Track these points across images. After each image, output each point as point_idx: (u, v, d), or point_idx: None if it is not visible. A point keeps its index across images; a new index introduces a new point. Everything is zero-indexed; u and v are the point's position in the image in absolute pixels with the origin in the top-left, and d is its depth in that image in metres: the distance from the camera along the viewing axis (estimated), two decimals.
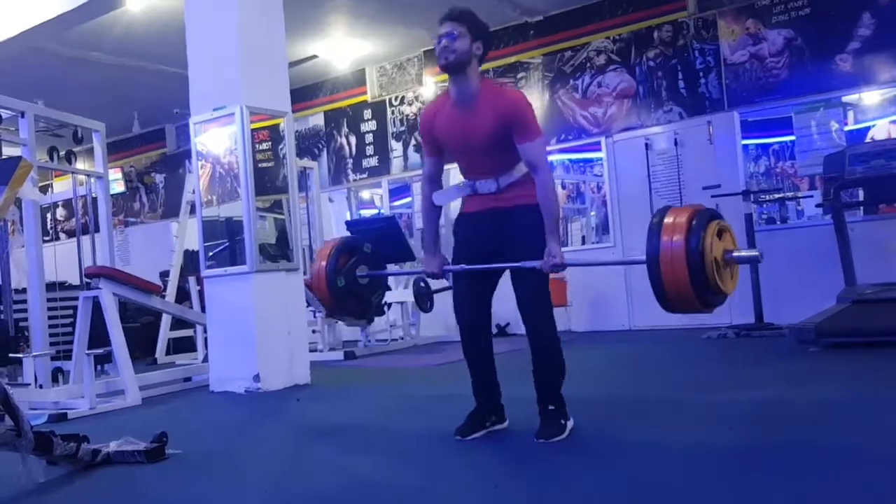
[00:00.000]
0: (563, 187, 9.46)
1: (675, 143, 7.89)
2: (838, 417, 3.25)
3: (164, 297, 7.11)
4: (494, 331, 9.02)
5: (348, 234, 9.36)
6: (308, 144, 10.45)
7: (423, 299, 8.21)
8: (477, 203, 3.23)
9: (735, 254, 2.80)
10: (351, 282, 3.59)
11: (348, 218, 10.05)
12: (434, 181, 3.39)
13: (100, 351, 5.05)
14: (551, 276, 3.14)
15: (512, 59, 8.86)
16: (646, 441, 3.05)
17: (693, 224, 2.71)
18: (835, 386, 4.06)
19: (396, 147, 9.82)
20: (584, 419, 3.28)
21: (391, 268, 8.36)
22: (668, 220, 2.77)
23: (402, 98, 9.75)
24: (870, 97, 7.23)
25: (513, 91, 3.35)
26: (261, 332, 5.24)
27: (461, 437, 3.22)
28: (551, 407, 3.16)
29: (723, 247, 2.76)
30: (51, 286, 5.99)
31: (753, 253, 2.90)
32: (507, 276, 3.23)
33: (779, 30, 7.35)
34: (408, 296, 8.07)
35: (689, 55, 7.83)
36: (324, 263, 3.58)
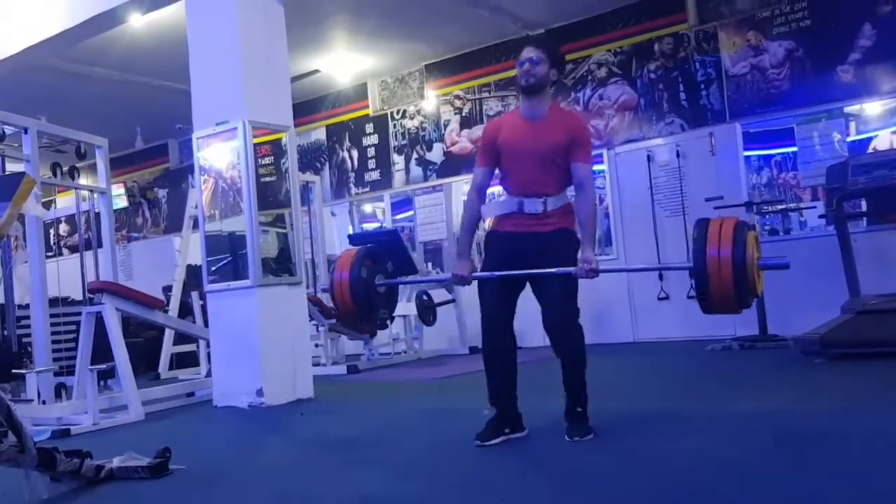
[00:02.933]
0: None
1: (677, 155, 7.89)
2: (845, 428, 3.23)
3: (166, 311, 7.11)
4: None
5: (352, 247, 9.39)
6: (310, 158, 10.47)
7: (426, 313, 8.21)
8: (515, 223, 3.38)
9: (766, 261, 3.10)
10: (371, 286, 3.68)
11: (350, 231, 10.06)
12: (482, 192, 3.55)
13: (103, 366, 5.04)
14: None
15: (513, 73, 8.81)
16: (657, 449, 3.03)
17: (737, 236, 3.02)
18: (841, 397, 4.04)
19: (398, 161, 9.83)
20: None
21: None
22: (712, 230, 3.07)
23: (404, 112, 9.78)
24: (872, 108, 7.23)
25: (579, 115, 3.59)
26: (264, 347, 5.23)
27: (481, 441, 3.29)
28: (579, 409, 3.34)
29: (756, 254, 3.05)
30: (54, 301, 5.98)
31: (783, 260, 3.11)
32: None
33: (780, 41, 7.37)
34: (411, 309, 8.06)
35: (691, 67, 7.85)
36: (346, 272, 3.66)
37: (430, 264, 9.41)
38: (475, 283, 3.47)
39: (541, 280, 3.31)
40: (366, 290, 3.66)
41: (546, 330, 3.31)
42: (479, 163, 3.56)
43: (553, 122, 3.39)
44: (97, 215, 6.49)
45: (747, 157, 7.82)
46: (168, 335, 8.28)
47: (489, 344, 3.39)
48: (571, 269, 3.22)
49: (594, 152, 8.24)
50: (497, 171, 3.53)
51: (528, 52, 3.43)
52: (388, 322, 8.28)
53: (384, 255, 3.89)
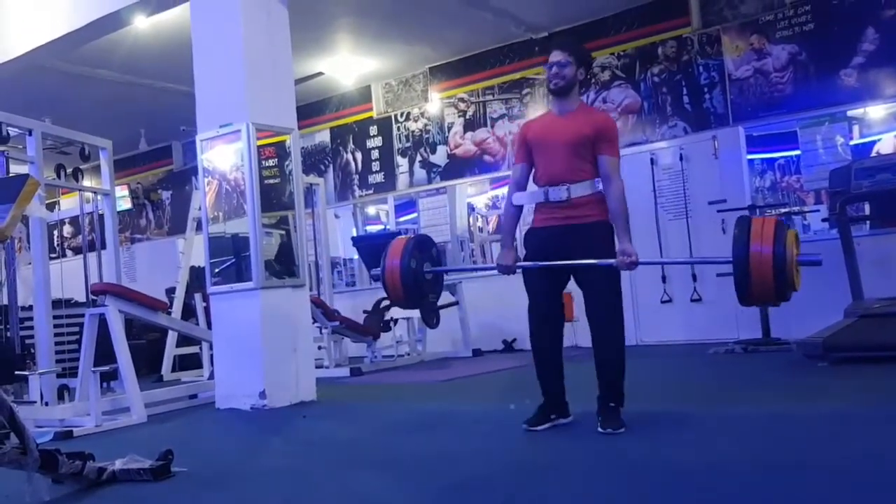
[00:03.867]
0: None
1: (681, 158, 7.89)
2: (849, 432, 3.22)
3: (170, 313, 7.12)
4: (501, 346, 8.98)
5: (354, 248, 9.39)
6: (314, 160, 10.48)
7: (430, 315, 8.21)
8: (548, 215, 3.55)
9: (803, 257, 3.23)
10: (419, 273, 3.85)
11: (354, 234, 10.06)
12: (520, 186, 3.70)
13: (106, 368, 5.04)
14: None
15: (517, 76, 8.88)
16: (658, 451, 3.03)
17: (778, 234, 3.17)
18: (844, 401, 4.04)
19: (402, 163, 9.84)
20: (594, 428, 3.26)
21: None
22: (755, 228, 3.22)
23: (408, 114, 9.78)
24: (875, 111, 7.23)
25: (608, 113, 3.71)
26: (267, 349, 5.23)
27: (529, 426, 3.49)
28: (612, 404, 3.45)
29: (796, 251, 3.20)
30: (57, 303, 5.99)
31: (816, 257, 3.26)
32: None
33: (783, 45, 7.36)
34: (414, 312, 8.06)
35: (694, 70, 7.85)
36: (397, 260, 3.83)
37: None
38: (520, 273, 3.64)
39: (583, 271, 3.48)
40: (415, 278, 3.83)
41: (588, 320, 3.49)
42: (516, 159, 3.75)
43: (581, 116, 3.57)
44: (101, 217, 6.50)
45: (750, 161, 7.82)
46: (171, 337, 8.29)
47: (536, 334, 3.58)
48: (612, 260, 3.37)
49: None
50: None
51: (556, 56, 3.57)
52: (392, 324, 8.30)
53: (430, 243, 4.07)
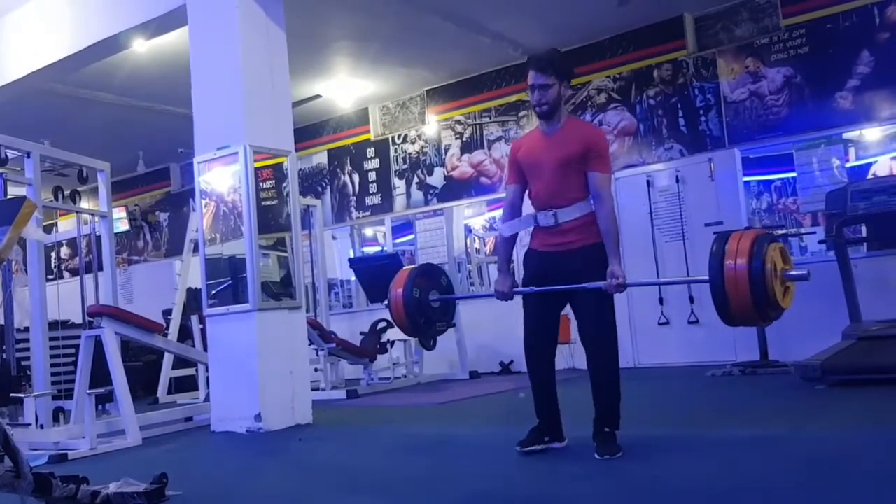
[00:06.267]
0: None
1: (677, 180, 7.92)
2: (846, 455, 3.21)
3: (166, 335, 7.10)
4: (498, 368, 8.94)
5: (351, 270, 9.39)
6: (311, 182, 10.51)
7: (427, 338, 8.18)
8: (541, 240, 3.54)
9: (789, 272, 3.07)
10: (423, 303, 3.80)
11: (351, 255, 10.06)
12: (514, 207, 3.66)
13: (101, 390, 5.02)
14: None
15: (513, 98, 8.93)
16: (656, 474, 3.01)
17: (755, 248, 2.99)
18: (843, 424, 4.02)
19: (399, 185, 9.87)
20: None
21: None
22: (731, 244, 3.04)
23: (405, 136, 9.82)
24: (871, 134, 7.27)
25: (596, 127, 3.61)
26: (263, 371, 5.21)
27: (522, 448, 3.46)
28: (607, 429, 3.41)
29: (781, 266, 3.04)
30: (53, 325, 5.98)
31: (803, 272, 3.11)
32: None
33: (778, 68, 7.42)
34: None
35: (689, 93, 7.90)
36: (400, 290, 3.78)
37: None
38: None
39: (576, 295, 3.44)
40: (418, 307, 3.79)
41: (582, 342, 3.48)
42: (508, 179, 3.72)
43: (568, 133, 3.49)
44: (98, 239, 6.50)
45: (747, 183, 7.85)
46: (167, 359, 8.26)
47: (531, 357, 3.56)
48: (600, 283, 3.32)
49: None
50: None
51: (536, 79, 3.46)
52: (388, 346, 8.27)
53: (437, 271, 4.04)
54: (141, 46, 7.14)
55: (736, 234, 3.13)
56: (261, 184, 5.65)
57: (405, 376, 8.31)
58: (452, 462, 3.62)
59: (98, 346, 5.21)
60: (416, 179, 9.72)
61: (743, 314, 3.06)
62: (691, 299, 7.66)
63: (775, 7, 7.38)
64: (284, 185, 5.67)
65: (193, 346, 7.80)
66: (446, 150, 9.46)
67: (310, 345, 6.67)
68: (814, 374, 5.18)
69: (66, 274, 12.54)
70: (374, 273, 8.21)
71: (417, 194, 9.70)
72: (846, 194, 5.83)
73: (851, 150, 7.35)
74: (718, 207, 7.56)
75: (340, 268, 10.56)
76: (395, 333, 8.14)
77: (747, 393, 5.56)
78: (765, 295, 2.96)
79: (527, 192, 3.65)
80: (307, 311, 6.36)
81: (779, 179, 8.27)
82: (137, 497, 3.12)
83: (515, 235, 3.68)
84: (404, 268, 4.06)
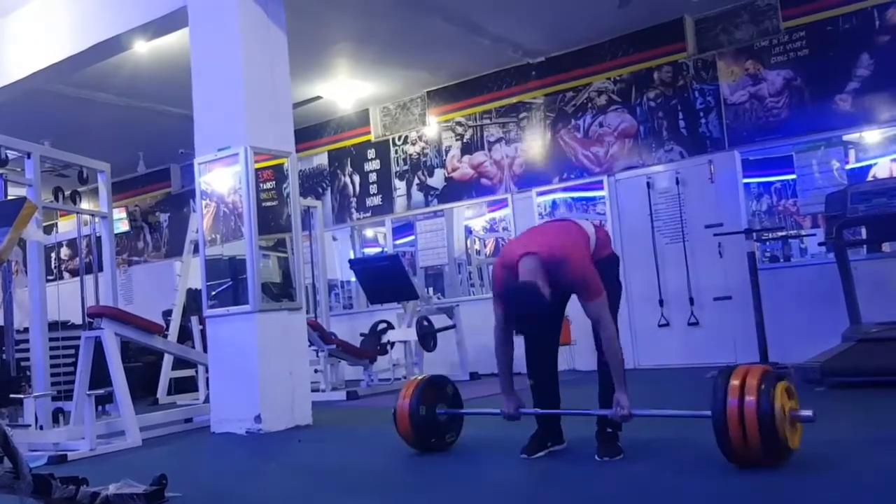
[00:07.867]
0: None
1: (677, 182, 7.93)
2: (846, 458, 3.21)
3: (166, 336, 7.10)
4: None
5: (351, 271, 9.38)
6: (312, 183, 10.52)
7: (427, 338, 8.19)
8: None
9: (794, 414, 2.97)
10: (429, 419, 3.80)
11: (352, 256, 10.07)
12: (509, 330, 3.49)
13: (101, 391, 5.02)
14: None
15: (514, 100, 8.94)
16: (657, 475, 3.01)
17: (763, 387, 2.86)
18: (843, 426, 4.01)
19: (400, 186, 9.87)
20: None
21: (396, 310, 8.37)
22: (734, 382, 2.92)
23: (406, 138, 9.83)
24: (871, 136, 7.27)
25: (569, 254, 3.29)
26: (263, 373, 5.22)
27: (527, 455, 3.48)
28: (609, 430, 3.43)
29: (789, 406, 2.93)
30: (53, 326, 5.98)
31: (808, 413, 3.01)
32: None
33: (778, 70, 7.42)
34: (411, 335, 8.05)
35: (690, 95, 7.90)
36: (406, 402, 3.79)
37: (430, 289, 9.42)
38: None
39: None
40: (424, 423, 3.79)
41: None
42: (496, 309, 3.46)
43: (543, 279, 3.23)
44: (98, 239, 6.50)
45: (747, 185, 7.85)
46: (167, 360, 8.26)
47: (537, 392, 3.61)
48: (608, 411, 3.30)
49: (593, 179, 8.40)
50: None
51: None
52: (389, 347, 8.27)
53: (443, 382, 3.97)
54: (142, 47, 7.15)
55: (741, 369, 3.00)
56: (261, 185, 5.65)
57: (405, 377, 8.30)
58: (452, 463, 3.62)
59: (98, 346, 5.21)
60: (416, 181, 9.72)
61: (749, 457, 2.93)
62: (691, 301, 7.66)
63: (775, 9, 7.39)
64: (285, 186, 5.67)
65: (193, 347, 7.80)
66: (447, 152, 9.46)
67: (310, 346, 6.67)
68: (813, 377, 5.18)
69: (66, 275, 12.54)
70: (375, 274, 8.21)
71: (418, 195, 9.71)
72: (846, 196, 5.83)
73: (851, 153, 7.35)
74: (718, 209, 7.57)
75: (341, 269, 10.57)
76: (395, 335, 8.15)
77: None
78: (775, 436, 2.85)
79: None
80: (307, 312, 6.36)
81: (779, 181, 8.26)
82: (137, 498, 3.12)
83: (512, 349, 3.50)
84: (410, 380, 4.05)
